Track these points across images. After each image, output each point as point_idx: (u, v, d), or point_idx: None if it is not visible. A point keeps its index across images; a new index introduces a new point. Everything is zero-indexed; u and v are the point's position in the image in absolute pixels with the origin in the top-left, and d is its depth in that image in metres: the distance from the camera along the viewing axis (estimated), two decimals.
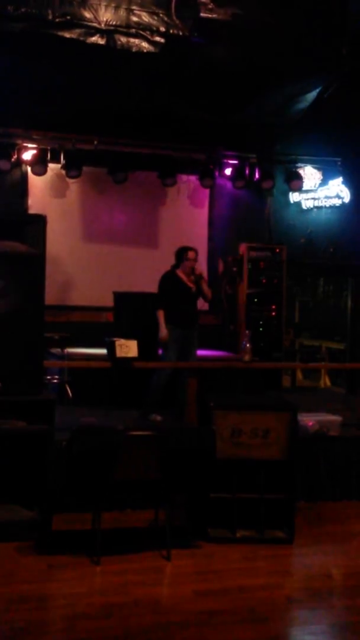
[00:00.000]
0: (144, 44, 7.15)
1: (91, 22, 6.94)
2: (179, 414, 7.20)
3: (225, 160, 10.35)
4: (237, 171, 10.33)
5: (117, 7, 6.99)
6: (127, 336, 6.51)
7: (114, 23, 7.00)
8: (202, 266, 10.40)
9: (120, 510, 5.54)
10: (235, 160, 10.35)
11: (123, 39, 7.11)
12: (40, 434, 4.99)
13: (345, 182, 10.52)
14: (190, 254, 7.40)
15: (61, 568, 4.57)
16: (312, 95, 8.78)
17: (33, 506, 5.00)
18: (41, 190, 9.81)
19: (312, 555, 5.08)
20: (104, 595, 4.24)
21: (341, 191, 10.55)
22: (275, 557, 4.97)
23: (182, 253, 7.45)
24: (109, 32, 7.02)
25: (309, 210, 10.86)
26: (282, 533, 5.24)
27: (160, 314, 7.25)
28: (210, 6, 6.81)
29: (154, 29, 7.09)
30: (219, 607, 4.11)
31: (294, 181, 10.51)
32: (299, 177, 10.52)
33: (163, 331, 7.22)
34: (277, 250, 10.06)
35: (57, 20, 6.80)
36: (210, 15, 6.82)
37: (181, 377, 7.23)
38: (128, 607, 4.04)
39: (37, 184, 9.76)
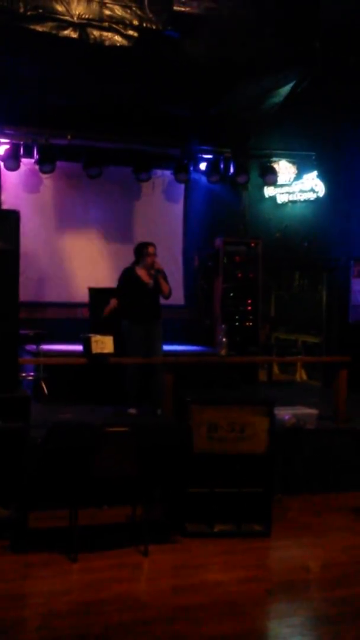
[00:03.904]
0: (117, 38, 7.11)
1: (63, 15, 6.88)
2: (153, 409, 7.21)
3: (200, 155, 10.31)
4: (212, 166, 10.31)
5: (89, 1, 6.95)
6: (103, 332, 6.49)
7: (86, 16, 6.96)
8: (177, 261, 10.49)
9: (97, 507, 5.51)
10: (210, 154, 10.33)
11: (96, 33, 7.06)
12: (15, 432, 4.94)
13: (319, 176, 10.56)
14: (150, 249, 7.44)
15: (38, 566, 4.54)
16: (285, 89, 8.81)
17: (8, 504, 4.95)
18: (14, 185, 9.71)
19: (290, 548, 5.10)
20: (81, 592, 4.22)
21: (316, 185, 10.58)
22: (253, 550, 4.99)
23: (141, 248, 7.50)
24: (81, 26, 6.97)
25: (284, 204, 10.88)
26: (259, 526, 5.25)
27: (112, 300, 7.34)
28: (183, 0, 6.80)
29: (127, 22, 7.05)
30: (197, 602, 4.10)
31: (269, 175, 10.52)
32: (274, 172, 10.53)
33: (109, 308, 7.33)
34: (253, 244, 10.08)
35: (28, 13, 6.74)
36: (183, 9, 6.81)
37: (153, 372, 7.25)
38: (106, 603, 4.03)
39: (10, 179, 9.65)
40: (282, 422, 6.30)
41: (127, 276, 7.47)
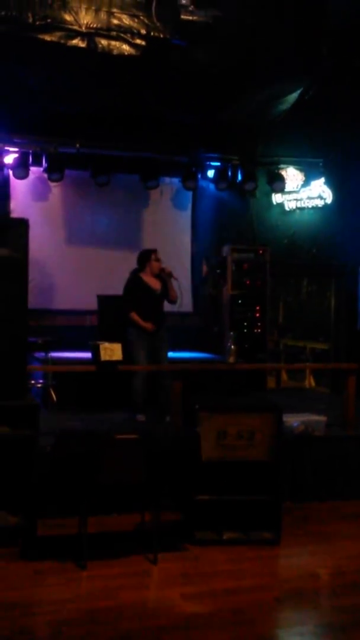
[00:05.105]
0: (125, 47, 7.14)
1: (72, 25, 6.92)
2: (160, 416, 7.21)
3: (208, 162, 10.35)
4: (220, 173, 10.34)
5: (97, 10, 6.98)
6: (112, 339, 6.50)
7: (94, 26, 6.99)
8: (185, 268, 10.50)
9: (106, 514, 5.52)
10: (218, 162, 10.35)
11: (104, 42, 7.10)
12: (24, 439, 4.95)
13: (327, 183, 10.56)
14: (157, 255, 7.49)
15: (47, 573, 4.54)
16: (293, 96, 8.82)
17: (18, 511, 4.96)
18: (23, 193, 9.76)
19: (299, 556, 5.09)
20: (90, 600, 4.22)
21: (323, 192, 10.58)
22: (261, 558, 4.98)
23: (147, 255, 7.50)
24: (89, 35, 7.01)
25: (292, 211, 10.89)
26: (268, 534, 5.23)
27: (134, 315, 7.30)
28: (190, 8, 6.82)
29: (135, 31, 7.09)
30: (206, 610, 4.10)
31: (277, 182, 10.53)
32: (281, 179, 10.54)
33: (147, 325, 7.25)
34: (261, 251, 10.08)
35: (37, 23, 6.78)
36: (190, 18, 6.83)
37: (160, 379, 7.26)
38: (115, 611, 4.03)
39: (19, 187, 9.70)
40: (291, 429, 6.29)
41: (135, 283, 7.47)
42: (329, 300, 10.80)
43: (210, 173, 10.39)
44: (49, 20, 6.81)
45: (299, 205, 10.80)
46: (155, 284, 7.48)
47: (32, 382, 7.66)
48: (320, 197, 10.61)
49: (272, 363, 9.99)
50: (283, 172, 10.60)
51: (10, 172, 9.48)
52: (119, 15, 7.08)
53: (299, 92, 8.73)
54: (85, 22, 6.97)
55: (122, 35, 7.10)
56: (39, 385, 7.87)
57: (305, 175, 10.71)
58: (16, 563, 4.69)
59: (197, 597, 4.28)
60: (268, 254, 10.08)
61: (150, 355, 7.32)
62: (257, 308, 9.94)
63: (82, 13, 6.96)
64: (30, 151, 9.38)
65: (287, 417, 6.17)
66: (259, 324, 9.93)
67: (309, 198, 10.71)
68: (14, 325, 5.02)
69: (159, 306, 7.51)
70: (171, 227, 10.52)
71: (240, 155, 10.34)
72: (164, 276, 7.46)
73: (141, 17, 7.09)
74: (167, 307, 7.78)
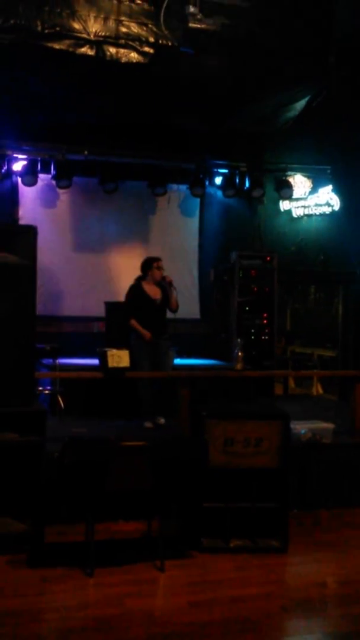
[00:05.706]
0: (133, 55, 7.17)
1: (80, 33, 6.95)
2: (154, 417, 7.23)
3: (215, 169, 10.38)
4: (227, 180, 10.36)
5: (106, 18, 7.02)
6: (119, 346, 6.51)
7: (103, 34, 7.03)
8: (192, 275, 10.52)
9: (113, 521, 5.51)
10: (225, 169, 10.38)
11: (112, 50, 7.13)
12: (31, 446, 4.96)
13: (335, 190, 10.57)
14: (159, 263, 7.50)
15: (54, 581, 4.54)
16: (301, 103, 8.83)
17: (25, 518, 4.96)
18: (32, 200, 9.81)
19: (306, 564, 5.07)
20: (97, 607, 4.22)
21: (331, 199, 10.59)
22: (269, 566, 4.96)
23: (149, 264, 7.51)
24: (98, 43, 7.04)
25: (300, 218, 10.90)
26: (275, 542, 5.22)
27: (134, 322, 7.33)
28: (198, 16, 6.84)
29: (143, 39, 7.11)
30: (213, 618, 4.09)
31: (284, 189, 10.55)
32: (289, 186, 10.56)
33: (146, 333, 7.27)
34: (268, 258, 10.08)
35: (46, 31, 6.81)
36: (198, 26, 6.84)
37: (157, 383, 7.26)
38: (122, 619, 4.02)
39: (27, 194, 9.75)
40: (298, 436, 6.28)
41: (136, 292, 7.49)
42: (336, 307, 10.80)
43: (218, 180, 10.42)
44: (57, 29, 6.85)
45: (306, 212, 10.81)
46: (155, 293, 7.49)
47: (40, 388, 7.67)
48: (328, 204, 10.62)
49: (279, 370, 9.97)
50: (290, 179, 10.62)
51: (19, 179, 9.53)
52: (127, 23, 7.11)
53: (306, 99, 8.75)
54: (93, 30, 7.00)
55: (130, 43, 7.12)
56: (47, 391, 7.87)
57: (312, 182, 10.73)
58: (23, 570, 4.69)
59: (204, 605, 4.27)
60: (276, 260, 10.08)
61: (152, 363, 7.33)
62: (265, 315, 9.94)
63: (91, 21, 6.99)
64: (39, 158, 9.44)
65: (295, 424, 6.15)
66: (267, 330, 9.92)
67: (317, 205, 10.72)
68: (22, 331, 5.04)
69: (159, 314, 7.51)
70: (179, 234, 10.54)
71: (248, 162, 10.36)
72: (165, 285, 7.48)
73: (149, 25, 7.11)
74: (174, 314, 7.78)
